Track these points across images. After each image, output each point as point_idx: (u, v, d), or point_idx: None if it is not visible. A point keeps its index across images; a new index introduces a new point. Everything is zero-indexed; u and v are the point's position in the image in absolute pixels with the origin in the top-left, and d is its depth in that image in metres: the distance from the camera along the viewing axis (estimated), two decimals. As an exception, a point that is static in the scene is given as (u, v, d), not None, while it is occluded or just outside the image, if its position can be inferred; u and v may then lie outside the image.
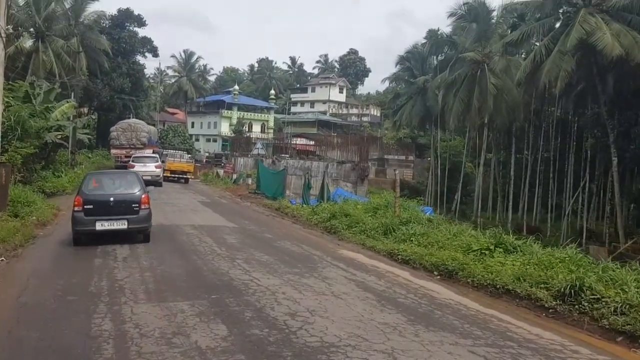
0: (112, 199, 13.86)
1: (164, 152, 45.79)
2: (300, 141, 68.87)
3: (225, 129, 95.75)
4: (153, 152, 42.09)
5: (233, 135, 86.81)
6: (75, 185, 28.93)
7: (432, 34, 59.46)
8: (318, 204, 22.59)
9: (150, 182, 30.86)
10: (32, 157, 25.17)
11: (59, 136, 30.48)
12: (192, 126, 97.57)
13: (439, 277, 11.56)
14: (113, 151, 45.57)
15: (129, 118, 52.58)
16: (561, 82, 31.42)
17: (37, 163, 27.07)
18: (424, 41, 62.71)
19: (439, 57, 59.00)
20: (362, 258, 13.32)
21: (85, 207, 13.41)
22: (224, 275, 10.16)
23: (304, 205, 24.23)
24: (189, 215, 20.09)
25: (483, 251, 12.47)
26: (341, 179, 48.64)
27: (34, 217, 16.58)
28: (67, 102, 32.78)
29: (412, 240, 14.65)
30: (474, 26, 43.65)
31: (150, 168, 32.65)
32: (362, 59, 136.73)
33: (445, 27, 73.91)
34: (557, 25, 35.84)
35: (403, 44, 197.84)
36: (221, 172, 41.09)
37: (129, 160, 40.23)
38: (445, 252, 12.70)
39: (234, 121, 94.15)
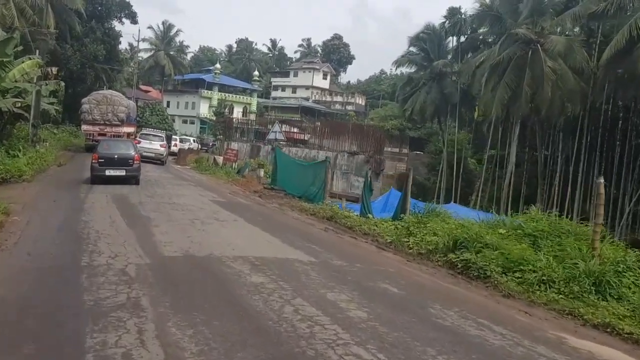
0: (116, 156, 20.65)
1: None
2: (292, 128, 61.35)
3: (204, 110, 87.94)
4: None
5: (215, 117, 79.01)
6: (37, 168, 21.71)
7: (454, 12, 52.32)
8: (398, 218, 15.38)
9: (153, 160, 31.60)
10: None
11: (18, 104, 22.89)
12: (168, 106, 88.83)
13: None
14: (84, 127, 37.47)
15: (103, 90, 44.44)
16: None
17: (-14, 137, 19.56)
18: (433, 24, 55.92)
19: (461, 39, 52.53)
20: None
21: (99, 160, 20.33)
22: None
23: (369, 215, 16.96)
24: (220, 230, 12.66)
25: None
26: (352, 173, 41.64)
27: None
28: (30, 58, 24.89)
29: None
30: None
31: (155, 146, 32.89)
32: (347, 45, 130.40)
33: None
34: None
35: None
36: (220, 159, 33.41)
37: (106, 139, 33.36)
38: None
39: (214, 102, 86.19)
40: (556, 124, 39.36)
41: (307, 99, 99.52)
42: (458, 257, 11.10)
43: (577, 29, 39.39)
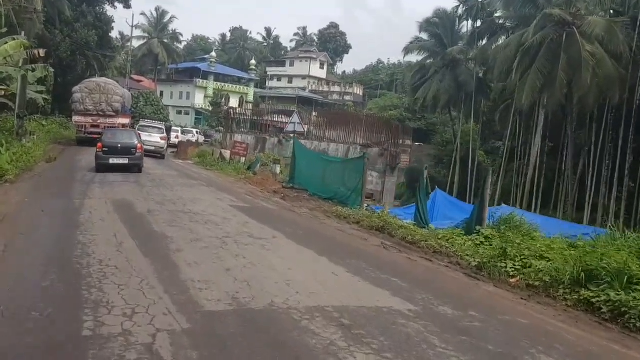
0: (119, 145, 21.70)
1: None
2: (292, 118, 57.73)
3: (199, 100, 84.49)
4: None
5: (211, 107, 75.67)
6: (22, 166, 18.51)
7: (469, -7, 49.17)
8: (473, 231, 12.30)
9: (153, 153, 29.68)
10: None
11: (1, 92, 19.75)
12: (161, 96, 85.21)
13: None
14: (75, 118, 34.20)
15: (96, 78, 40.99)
16: None
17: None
18: (445, 8, 52.79)
19: (476, 24, 49.51)
20: None
21: (103, 149, 21.24)
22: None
23: (430, 226, 13.88)
24: (263, 256, 9.50)
25: None
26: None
27: None
28: (14, 39, 21.60)
29: None
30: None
31: (155, 139, 31.05)
32: (343, 34, 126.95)
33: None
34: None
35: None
36: (227, 153, 30.19)
37: (99, 131, 30.45)
38: None
39: (210, 92, 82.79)
40: (587, 114, 36.42)
41: (303, 89, 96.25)
42: (599, 297, 8.05)
43: (601, 13, 36.50)
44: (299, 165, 22.96)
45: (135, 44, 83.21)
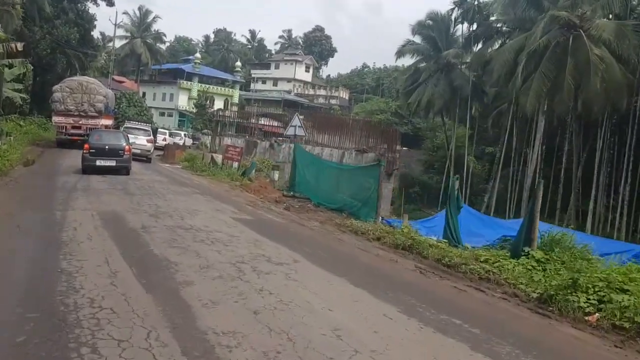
0: (107, 147, 21.05)
1: None
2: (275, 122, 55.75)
3: (183, 102, 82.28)
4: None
5: (196, 109, 73.56)
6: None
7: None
8: (521, 253, 10.62)
9: (139, 156, 28.43)
10: None
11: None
12: (144, 97, 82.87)
13: None
14: (55, 119, 32.27)
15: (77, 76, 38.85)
16: None
17: None
18: (439, 11, 51.41)
19: (472, 27, 48.23)
20: None
21: (90, 150, 20.70)
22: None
23: (466, 245, 12.20)
24: (291, 287, 7.71)
25: None
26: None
27: None
28: (-12, 31, 19.62)
29: None
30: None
31: (141, 142, 29.78)
32: (328, 38, 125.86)
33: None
34: None
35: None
36: (219, 158, 28.29)
37: (80, 132, 28.74)
38: None
39: (194, 94, 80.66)
40: (584, 120, 35.33)
41: (289, 92, 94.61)
42: None
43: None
44: (300, 171, 21.22)
45: (118, 44, 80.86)
